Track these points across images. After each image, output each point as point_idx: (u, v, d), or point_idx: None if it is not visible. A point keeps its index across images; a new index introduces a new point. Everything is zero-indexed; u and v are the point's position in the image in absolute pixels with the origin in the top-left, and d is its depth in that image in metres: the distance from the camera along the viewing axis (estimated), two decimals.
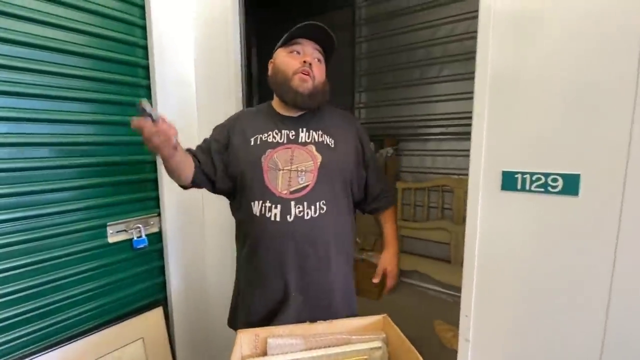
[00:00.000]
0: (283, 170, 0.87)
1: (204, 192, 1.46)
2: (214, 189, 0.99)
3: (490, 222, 0.78)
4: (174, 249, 1.39)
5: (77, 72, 1.11)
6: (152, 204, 1.35)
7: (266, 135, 0.92)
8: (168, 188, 1.34)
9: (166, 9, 1.29)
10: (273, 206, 0.86)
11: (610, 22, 0.62)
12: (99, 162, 1.18)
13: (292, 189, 0.87)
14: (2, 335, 0.99)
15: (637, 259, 0.63)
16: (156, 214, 1.36)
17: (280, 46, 0.95)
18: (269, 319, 0.93)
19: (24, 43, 0.99)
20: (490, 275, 0.80)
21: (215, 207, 1.45)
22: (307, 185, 0.87)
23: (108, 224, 1.21)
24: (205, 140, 1.00)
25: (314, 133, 0.93)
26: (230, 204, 1.03)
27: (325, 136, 0.94)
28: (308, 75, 0.88)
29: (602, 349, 0.68)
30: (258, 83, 3.46)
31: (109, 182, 1.21)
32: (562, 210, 0.69)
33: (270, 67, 0.98)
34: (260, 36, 3.49)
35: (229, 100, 1.33)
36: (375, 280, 1.08)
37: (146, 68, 1.29)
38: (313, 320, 0.90)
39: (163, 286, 1.41)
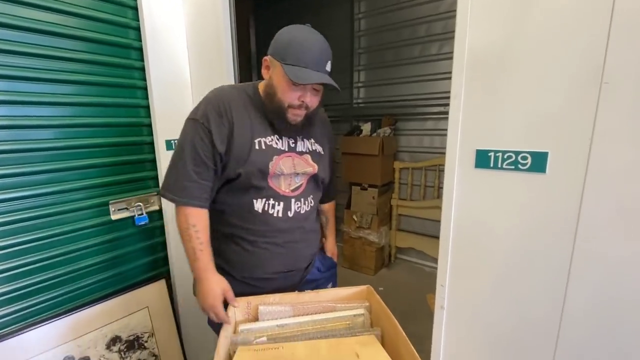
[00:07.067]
0: (285, 175, 0.92)
1: None
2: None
3: (465, 197, 0.82)
4: (174, 226, 1.45)
5: (77, 56, 1.15)
6: (151, 183, 1.41)
7: (270, 139, 0.90)
8: (166, 168, 1.39)
9: None
10: (276, 203, 0.91)
11: (585, 5, 0.63)
12: (99, 143, 1.23)
13: (291, 188, 0.94)
14: (19, 303, 1.09)
15: (596, 231, 0.67)
16: (155, 193, 1.42)
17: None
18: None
19: (25, 28, 1.03)
20: (464, 247, 0.85)
21: None
22: (301, 185, 0.96)
23: (110, 202, 1.28)
24: (196, 161, 0.85)
25: (307, 142, 0.98)
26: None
27: (317, 144, 1.00)
28: (301, 109, 0.87)
29: (562, 315, 0.73)
30: (257, 60, 3.45)
31: (109, 162, 1.27)
32: (530, 186, 0.73)
33: (265, 70, 0.89)
34: (257, 16, 3.44)
35: (221, 82, 1.35)
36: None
37: (140, 50, 1.31)
38: (301, 289, 0.99)
39: (166, 260, 1.49)
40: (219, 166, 0.88)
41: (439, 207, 0.88)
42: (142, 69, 1.32)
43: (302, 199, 0.96)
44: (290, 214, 0.94)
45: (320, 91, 0.88)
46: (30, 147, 1.07)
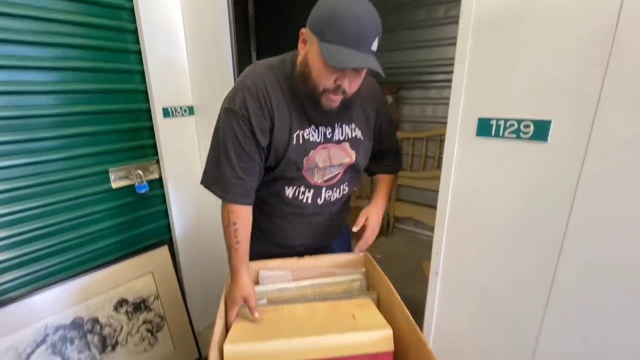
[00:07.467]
0: (320, 167, 0.90)
1: (200, 137, 1.52)
2: None
3: (464, 166, 0.81)
4: (175, 194, 1.47)
5: (65, 17, 1.09)
6: (150, 151, 1.41)
7: (307, 132, 0.85)
8: (164, 137, 1.38)
9: None
10: (307, 190, 0.92)
11: None
12: (96, 110, 1.21)
13: (325, 178, 0.93)
14: (26, 268, 1.13)
15: (593, 200, 0.68)
16: (155, 161, 1.42)
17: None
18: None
19: None
20: (462, 214, 0.86)
21: None
22: (337, 174, 0.94)
23: (110, 170, 1.28)
24: (240, 156, 0.82)
25: (346, 128, 0.90)
26: None
27: (357, 129, 0.92)
28: (338, 94, 0.77)
29: (553, 282, 0.76)
30: (255, 23, 3.28)
31: (106, 130, 1.25)
32: (530, 155, 0.72)
33: (301, 44, 0.77)
34: None
35: (218, 45, 1.30)
36: (355, 229, 1.01)
37: (131, 10, 1.25)
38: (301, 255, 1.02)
39: (168, 227, 1.52)
40: (263, 158, 0.85)
41: (439, 178, 0.87)
42: (135, 32, 1.27)
43: (334, 188, 0.95)
44: (319, 202, 0.94)
45: (362, 72, 0.76)
46: (27, 114, 1.05)
